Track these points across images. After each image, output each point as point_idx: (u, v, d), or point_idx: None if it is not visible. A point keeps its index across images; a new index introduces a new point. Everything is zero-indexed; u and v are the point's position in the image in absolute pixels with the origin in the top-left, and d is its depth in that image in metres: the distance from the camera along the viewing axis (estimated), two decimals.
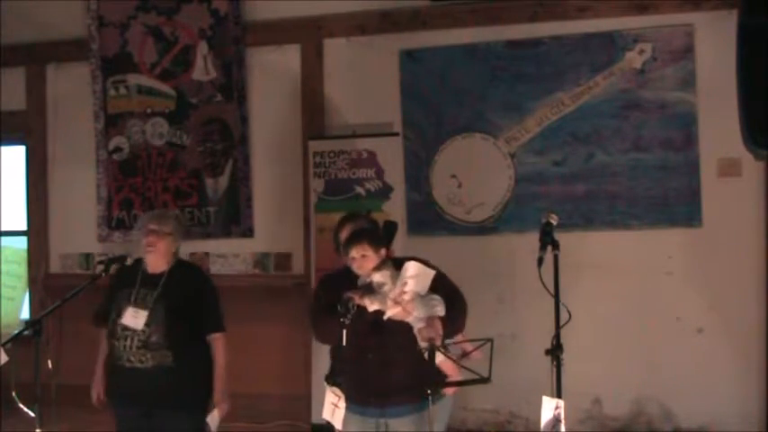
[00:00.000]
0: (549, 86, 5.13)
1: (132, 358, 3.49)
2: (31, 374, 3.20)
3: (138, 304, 3.52)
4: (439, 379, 3.06)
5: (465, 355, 3.01)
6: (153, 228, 3.60)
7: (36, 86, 6.14)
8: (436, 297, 3.06)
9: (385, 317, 3.01)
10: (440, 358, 2.97)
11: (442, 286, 3.12)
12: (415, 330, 3.02)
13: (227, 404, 3.62)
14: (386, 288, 2.99)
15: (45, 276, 6.12)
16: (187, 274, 3.70)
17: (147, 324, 3.47)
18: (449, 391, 3.24)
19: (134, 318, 3.48)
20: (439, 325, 3.00)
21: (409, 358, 3.03)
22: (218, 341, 3.66)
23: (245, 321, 3.78)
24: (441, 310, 3.05)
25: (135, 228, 3.75)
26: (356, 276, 3.14)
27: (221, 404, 3.60)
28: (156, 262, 3.62)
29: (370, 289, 3.00)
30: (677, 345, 4.92)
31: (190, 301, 3.60)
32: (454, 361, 3.00)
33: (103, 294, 3.71)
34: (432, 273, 3.03)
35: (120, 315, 3.52)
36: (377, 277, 3.02)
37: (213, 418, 3.55)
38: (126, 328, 3.49)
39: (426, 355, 2.92)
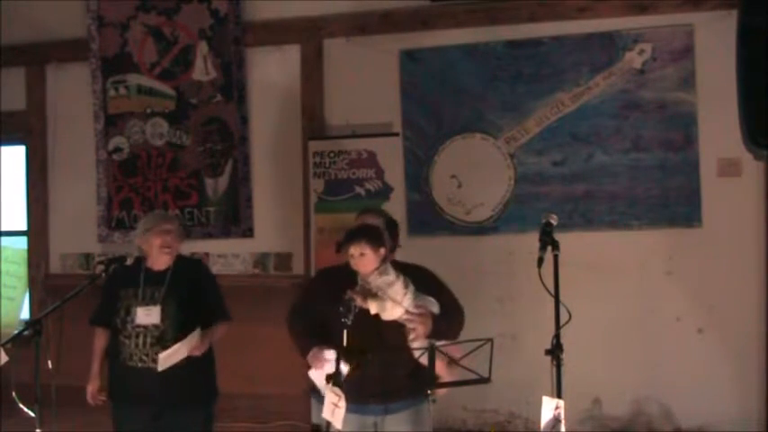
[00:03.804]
0: (549, 86, 5.13)
1: (145, 357, 3.50)
2: (31, 375, 3.20)
3: (148, 302, 3.53)
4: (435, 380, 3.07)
5: (453, 361, 3.02)
6: (169, 227, 3.62)
7: (36, 86, 6.12)
8: (432, 299, 3.11)
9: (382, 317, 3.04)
10: (438, 364, 2.99)
11: (440, 295, 3.16)
12: (404, 322, 3.05)
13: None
14: (385, 293, 3.00)
15: (45, 276, 6.11)
16: (189, 268, 3.74)
17: (160, 320, 3.49)
18: (441, 392, 3.26)
19: (147, 315, 3.50)
20: (428, 318, 3.04)
21: (408, 358, 3.04)
22: (222, 328, 3.71)
23: (245, 321, 3.78)
24: (434, 309, 3.10)
25: (139, 229, 3.72)
26: (356, 273, 3.15)
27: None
28: (169, 261, 3.63)
29: (369, 292, 3.01)
30: (677, 345, 4.92)
31: (196, 294, 3.63)
32: (455, 361, 3.00)
33: (102, 294, 3.71)
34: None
35: (128, 313, 3.52)
36: (377, 282, 3.04)
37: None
38: (138, 326, 3.50)
39: (426, 356, 2.94)
